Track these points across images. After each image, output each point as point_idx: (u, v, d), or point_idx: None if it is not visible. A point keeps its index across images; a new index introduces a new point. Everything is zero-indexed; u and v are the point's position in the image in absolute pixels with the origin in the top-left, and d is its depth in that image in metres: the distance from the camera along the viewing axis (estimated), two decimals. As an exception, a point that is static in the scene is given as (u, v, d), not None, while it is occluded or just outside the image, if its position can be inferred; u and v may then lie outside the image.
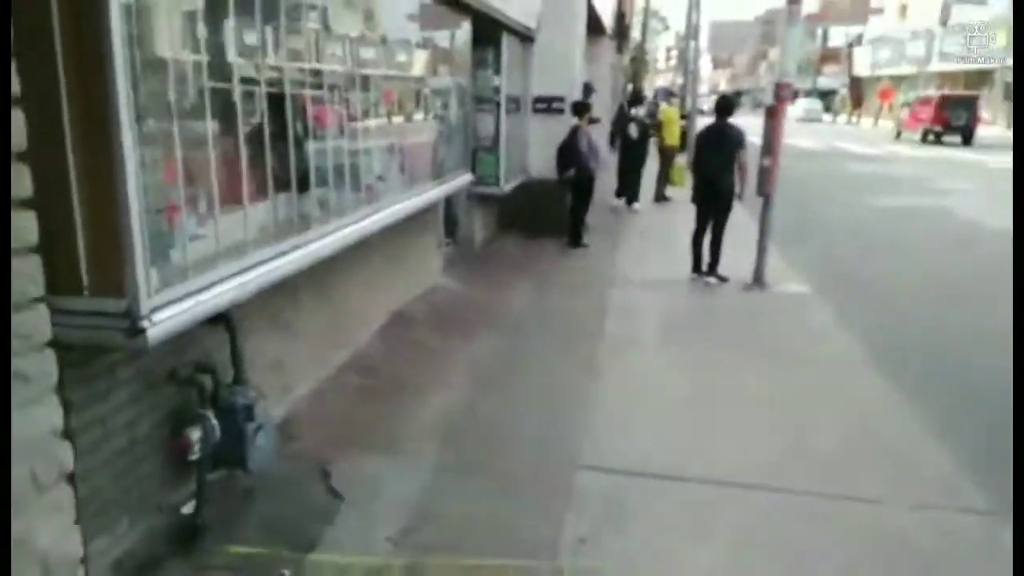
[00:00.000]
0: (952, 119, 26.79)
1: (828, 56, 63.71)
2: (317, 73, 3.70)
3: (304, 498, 3.20)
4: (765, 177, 7.10)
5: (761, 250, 7.17)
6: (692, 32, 16.49)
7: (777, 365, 5.08)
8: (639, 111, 12.11)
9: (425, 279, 6.49)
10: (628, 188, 11.62)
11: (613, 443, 3.86)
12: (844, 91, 53.81)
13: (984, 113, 28.03)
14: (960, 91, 32.87)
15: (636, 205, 11.54)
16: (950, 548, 3.06)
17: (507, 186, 8.45)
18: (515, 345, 5.41)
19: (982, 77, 44.48)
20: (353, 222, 4.08)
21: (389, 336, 5.25)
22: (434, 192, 5.82)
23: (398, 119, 5.06)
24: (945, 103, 27.49)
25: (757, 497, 3.39)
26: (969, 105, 27.40)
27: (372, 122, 4.45)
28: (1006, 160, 20.39)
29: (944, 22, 45.70)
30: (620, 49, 22.86)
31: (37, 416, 1.56)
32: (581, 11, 10.53)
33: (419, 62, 5.54)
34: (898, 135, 29.92)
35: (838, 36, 61.15)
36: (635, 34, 31.16)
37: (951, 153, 23.47)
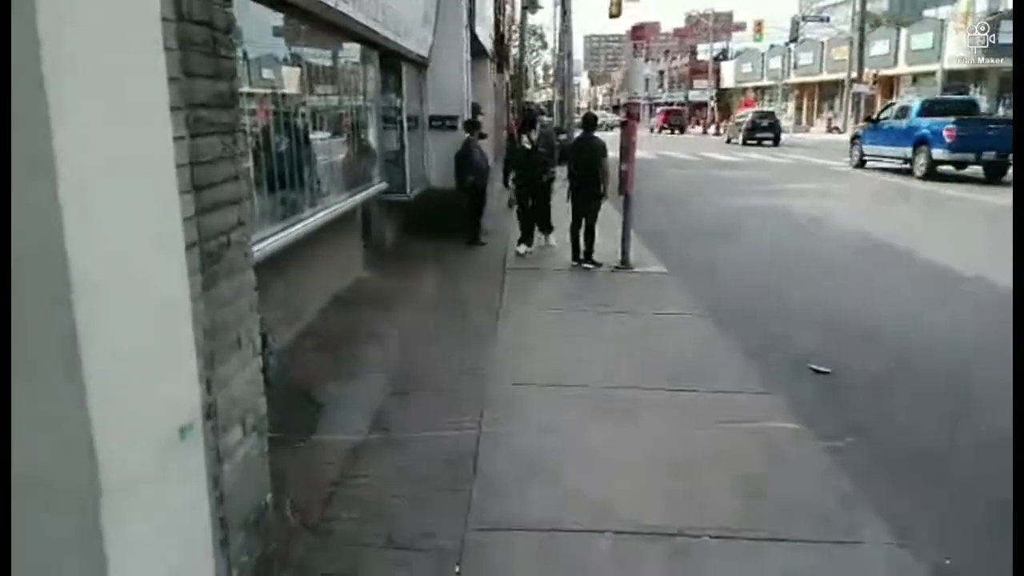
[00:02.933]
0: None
1: (697, 70, 68.29)
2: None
3: (301, 405, 4.51)
4: (624, 179, 8.81)
5: (625, 238, 8.84)
6: (565, 53, 18.37)
7: (633, 317, 6.71)
8: (533, 135, 9.82)
9: (351, 272, 7.79)
10: (540, 221, 9.86)
11: (514, 366, 5.33)
12: (713, 103, 57.70)
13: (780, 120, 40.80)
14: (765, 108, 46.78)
15: (552, 239, 9.93)
16: (736, 409, 4.67)
17: (412, 193, 9.83)
18: (433, 313, 6.83)
19: (834, 87, 49.19)
20: (310, 216, 5.41)
21: (332, 312, 6.56)
22: (360, 196, 7.16)
23: (336, 139, 6.42)
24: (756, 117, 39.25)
25: (615, 392, 4.92)
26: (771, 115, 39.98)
27: (319, 142, 5.80)
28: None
29: (794, 39, 50.05)
30: (501, 69, 24.59)
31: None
32: (465, 38, 12.05)
33: (348, 93, 6.91)
34: (728, 141, 39.49)
35: (707, 51, 65.59)
36: (515, 50, 33.12)
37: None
